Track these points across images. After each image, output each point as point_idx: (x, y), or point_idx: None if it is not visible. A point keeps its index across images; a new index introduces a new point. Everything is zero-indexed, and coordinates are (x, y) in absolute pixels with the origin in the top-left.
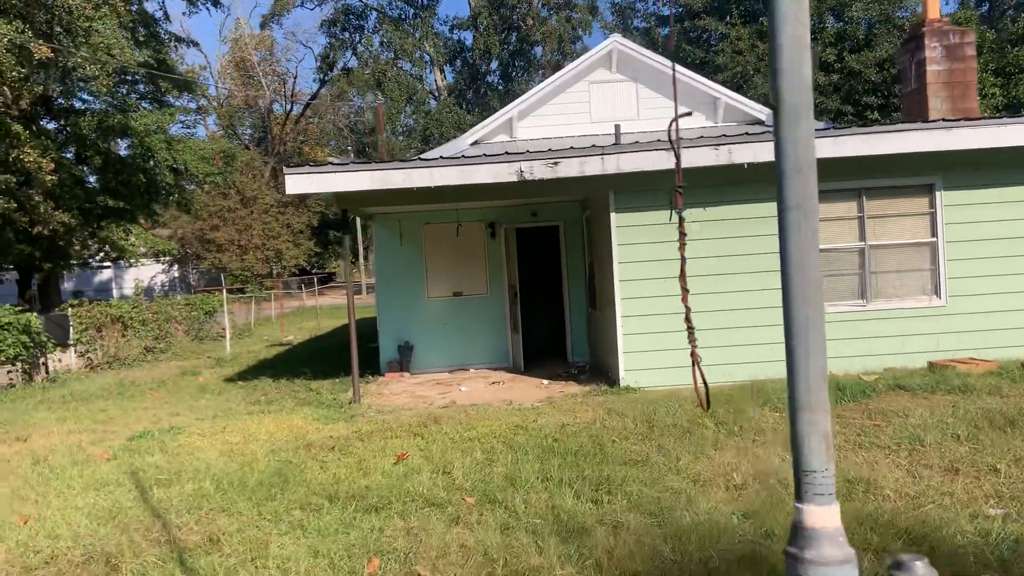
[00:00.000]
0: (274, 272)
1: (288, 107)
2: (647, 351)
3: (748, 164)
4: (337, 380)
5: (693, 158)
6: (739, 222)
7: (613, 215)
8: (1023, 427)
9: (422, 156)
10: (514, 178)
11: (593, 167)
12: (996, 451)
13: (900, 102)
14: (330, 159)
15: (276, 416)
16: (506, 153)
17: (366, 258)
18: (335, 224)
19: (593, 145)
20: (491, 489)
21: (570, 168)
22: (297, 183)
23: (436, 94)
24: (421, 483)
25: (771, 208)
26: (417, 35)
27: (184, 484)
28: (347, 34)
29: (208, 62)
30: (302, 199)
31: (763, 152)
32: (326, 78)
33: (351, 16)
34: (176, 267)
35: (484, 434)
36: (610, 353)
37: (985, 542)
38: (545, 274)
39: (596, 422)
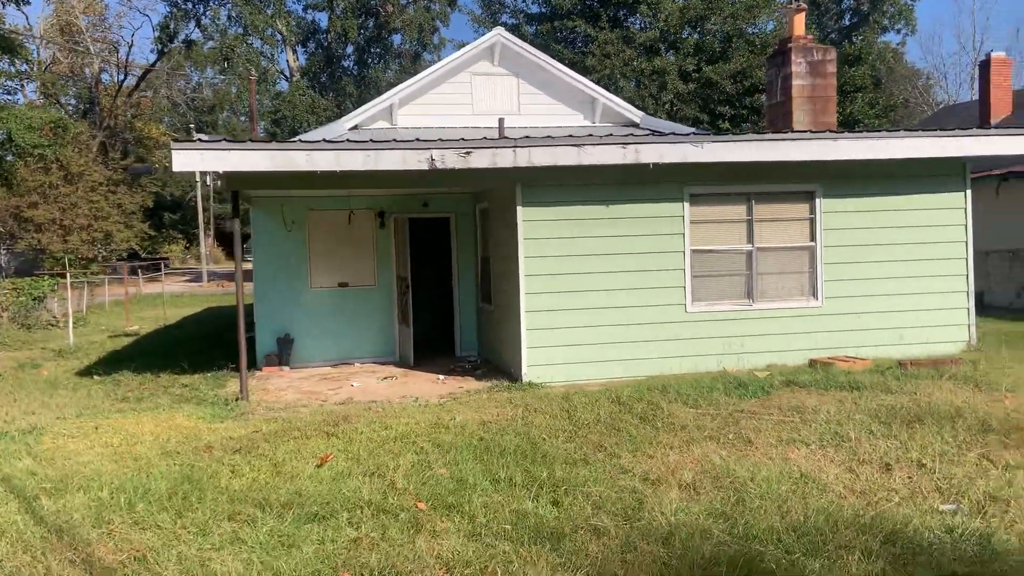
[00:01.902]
0: (100, 256)
1: (121, 78)
2: (550, 346)
3: (653, 164)
4: (209, 374)
5: (601, 156)
6: (641, 220)
7: (520, 209)
8: (930, 423)
9: (302, 138)
10: (424, 166)
11: (505, 159)
12: (916, 446)
13: (766, 113)
14: (199, 136)
15: (154, 415)
16: (417, 140)
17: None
18: (171, 205)
19: (505, 136)
20: (441, 493)
21: (482, 159)
22: (186, 159)
23: (288, 75)
24: (357, 488)
25: (676, 207)
26: (269, 12)
27: (75, 494)
28: (190, 4)
29: (29, 23)
30: (135, 178)
31: (669, 153)
32: (165, 50)
33: None
34: None
35: (404, 433)
36: (510, 348)
37: (952, 539)
38: (433, 267)
39: (517, 419)
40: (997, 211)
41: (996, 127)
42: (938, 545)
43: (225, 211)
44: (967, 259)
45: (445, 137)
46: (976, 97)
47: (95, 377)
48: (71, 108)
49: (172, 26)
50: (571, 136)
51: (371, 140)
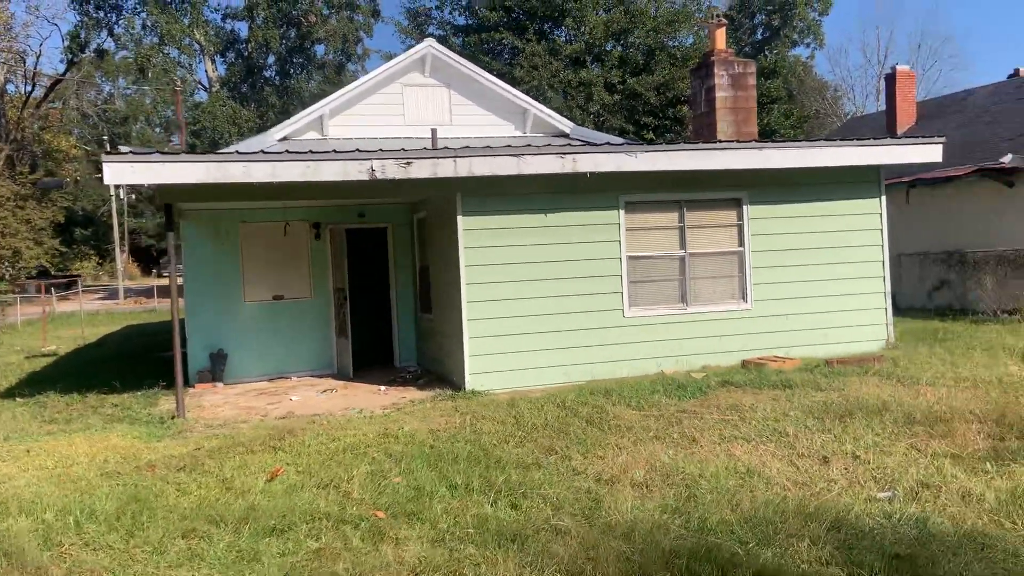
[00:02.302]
0: (8, 275)
1: (28, 89)
2: (493, 354)
3: (590, 173)
4: (139, 393)
5: (540, 165)
6: (579, 228)
7: (461, 218)
8: (860, 417)
9: (238, 150)
10: (365, 176)
11: (446, 169)
12: (849, 439)
13: (691, 123)
14: (132, 148)
15: (87, 435)
16: (358, 150)
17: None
18: (83, 220)
19: (446, 147)
20: (399, 501)
21: (423, 169)
22: (117, 172)
23: (207, 86)
24: (312, 500)
25: (612, 215)
26: (187, 21)
27: (17, 517)
28: (102, 13)
29: None
30: (44, 193)
31: (605, 162)
32: (75, 60)
33: None
34: None
35: (353, 444)
36: (452, 357)
37: (890, 522)
38: (371, 277)
39: (465, 427)
40: (907, 216)
41: (905, 137)
42: (879, 530)
43: (141, 225)
44: (884, 262)
45: (382, 148)
46: (882, 108)
47: (17, 399)
48: None
49: (83, 35)
50: (510, 146)
51: (311, 151)
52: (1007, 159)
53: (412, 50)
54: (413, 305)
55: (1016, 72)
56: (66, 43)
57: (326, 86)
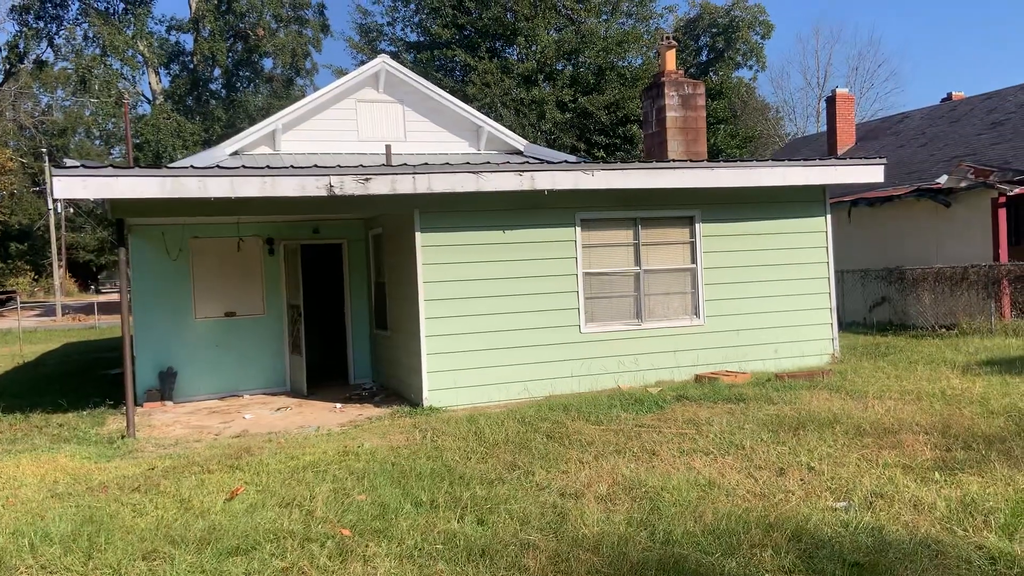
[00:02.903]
0: None
1: None
2: (451, 370)
3: (548, 190)
4: (84, 412)
5: (499, 182)
6: (536, 245)
7: (419, 235)
8: (812, 429)
9: (193, 164)
10: (323, 193)
11: (405, 185)
12: (803, 451)
13: (643, 142)
14: (83, 161)
15: (33, 456)
16: (315, 166)
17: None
18: (18, 235)
19: (405, 164)
20: (364, 519)
21: (382, 185)
22: (68, 187)
23: (151, 98)
24: (275, 519)
25: (568, 232)
26: (130, 32)
27: None
28: (42, 23)
29: None
30: None
31: (562, 180)
32: (13, 70)
33: (48, 4)
34: None
35: (313, 462)
36: (409, 374)
37: (847, 531)
38: (324, 294)
39: (426, 443)
40: (849, 234)
41: (845, 157)
42: (837, 539)
43: (79, 240)
44: (829, 278)
45: (339, 163)
46: (822, 129)
47: None
48: None
49: (21, 46)
50: (469, 163)
51: (268, 166)
52: (943, 180)
53: (366, 66)
54: (368, 321)
55: (949, 96)
56: (3, 53)
57: (274, 100)
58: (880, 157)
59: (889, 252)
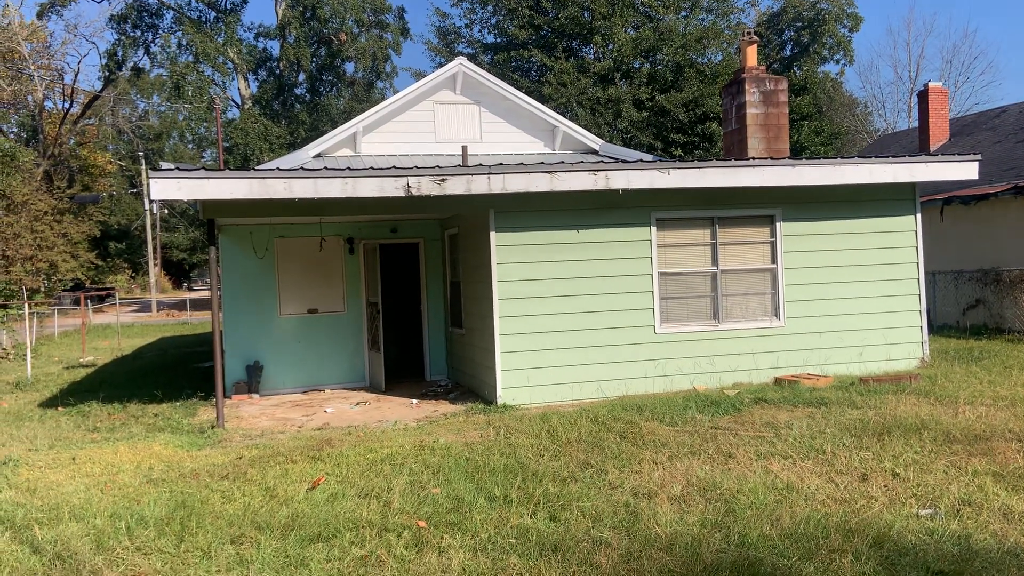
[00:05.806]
0: (44, 288)
1: (66, 105)
2: (525, 369)
3: (623, 190)
4: (178, 403)
5: (572, 182)
6: (611, 244)
7: (493, 234)
8: (898, 435)
9: (279, 167)
10: (401, 193)
11: (480, 186)
12: (888, 457)
13: (722, 140)
14: (178, 164)
15: (130, 444)
16: (394, 167)
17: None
18: (117, 234)
19: (480, 164)
20: (439, 511)
21: (457, 185)
22: (164, 188)
23: (239, 103)
24: (354, 509)
25: (644, 232)
26: (220, 40)
27: (68, 523)
28: (139, 32)
29: None
30: (81, 207)
31: (637, 179)
32: (112, 77)
33: (144, 14)
34: None
35: (390, 455)
36: (483, 371)
37: (932, 539)
38: (402, 292)
39: (500, 440)
40: (941, 234)
41: (939, 154)
42: (921, 546)
43: (173, 240)
44: (919, 279)
45: (417, 165)
46: (914, 124)
47: (60, 408)
48: (12, 136)
49: (120, 54)
50: (543, 163)
51: (349, 168)
52: None
53: (443, 68)
54: (444, 319)
55: None
56: (104, 61)
57: (355, 103)
58: (975, 153)
59: (985, 253)
